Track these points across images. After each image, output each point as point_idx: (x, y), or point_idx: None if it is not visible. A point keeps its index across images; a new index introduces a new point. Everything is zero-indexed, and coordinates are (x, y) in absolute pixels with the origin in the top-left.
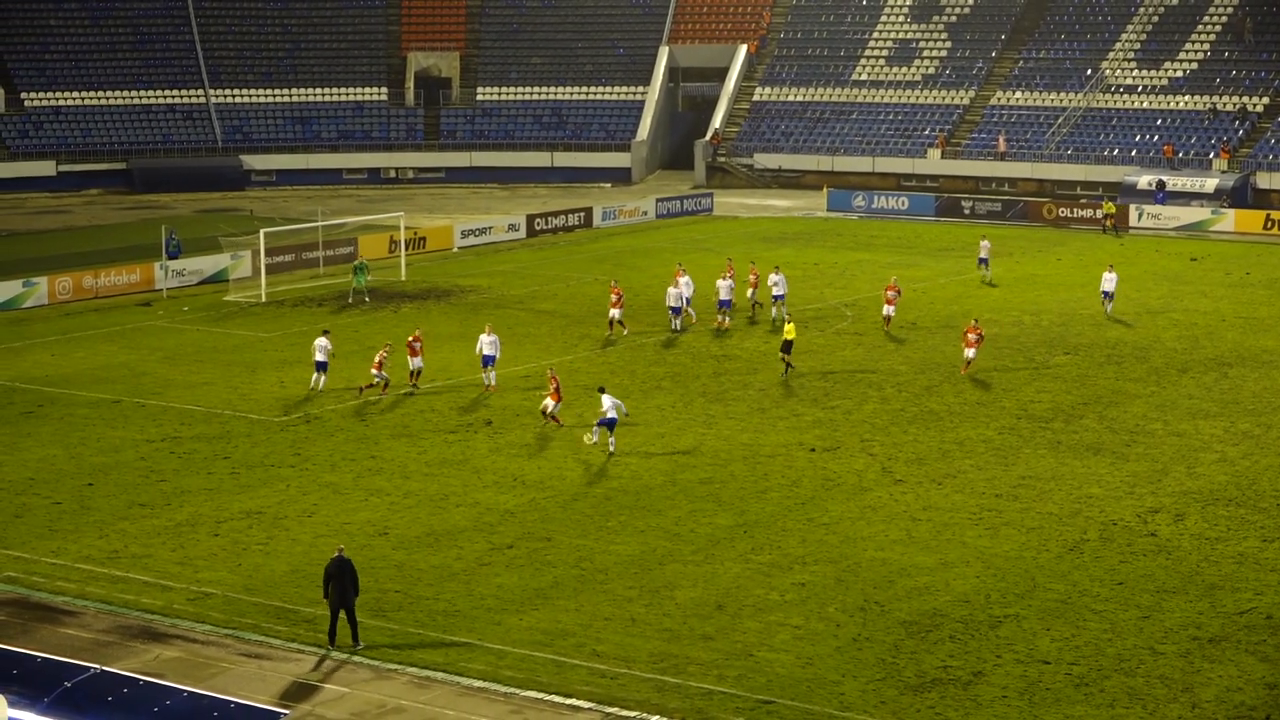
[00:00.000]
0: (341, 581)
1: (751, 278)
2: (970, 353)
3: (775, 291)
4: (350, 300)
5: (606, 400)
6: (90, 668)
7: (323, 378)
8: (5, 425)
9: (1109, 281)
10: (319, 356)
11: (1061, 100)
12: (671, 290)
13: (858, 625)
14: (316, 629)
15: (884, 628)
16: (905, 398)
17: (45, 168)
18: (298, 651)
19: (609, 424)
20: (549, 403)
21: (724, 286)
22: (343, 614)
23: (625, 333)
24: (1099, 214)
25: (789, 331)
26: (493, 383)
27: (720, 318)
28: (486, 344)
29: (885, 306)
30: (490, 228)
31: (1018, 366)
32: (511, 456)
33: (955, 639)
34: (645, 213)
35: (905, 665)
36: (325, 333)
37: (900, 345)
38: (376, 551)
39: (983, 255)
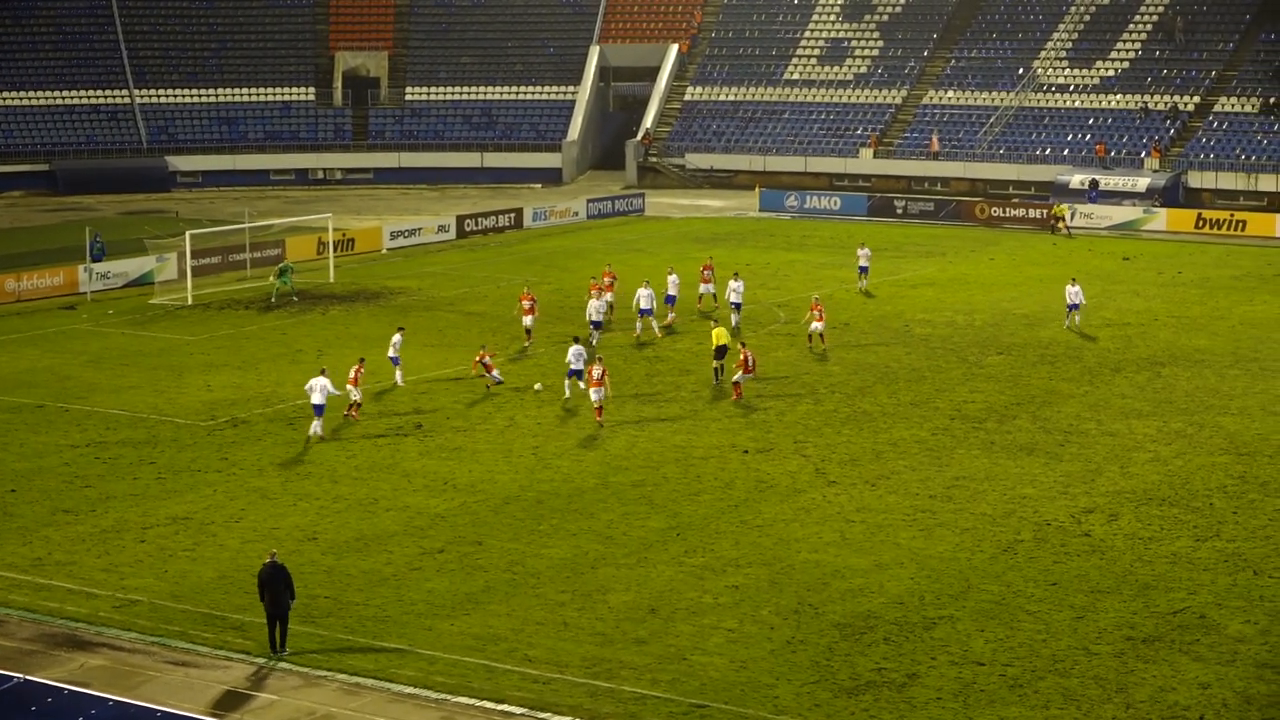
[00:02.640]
0: (275, 588)
1: (606, 280)
2: (816, 325)
3: (733, 298)
4: (274, 301)
5: (572, 351)
6: (14, 677)
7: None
8: None
9: (1074, 295)
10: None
11: (994, 99)
12: (592, 303)
13: (791, 628)
14: (245, 635)
15: (818, 630)
16: (838, 399)
17: None
18: (225, 659)
19: (576, 374)
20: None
21: (734, 288)
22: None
23: (528, 344)
24: (1047, 215)
25: (721, 336)
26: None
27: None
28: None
29: (813, 324)
30: (420, 229)
31: (950, 367)
32: (442, 460)
33: (889, 641)
34: (576, 213)
35: (839, 668)
36: (400, 329)
37: (833, 347)
38: (305, 557)
39: (862, 264)
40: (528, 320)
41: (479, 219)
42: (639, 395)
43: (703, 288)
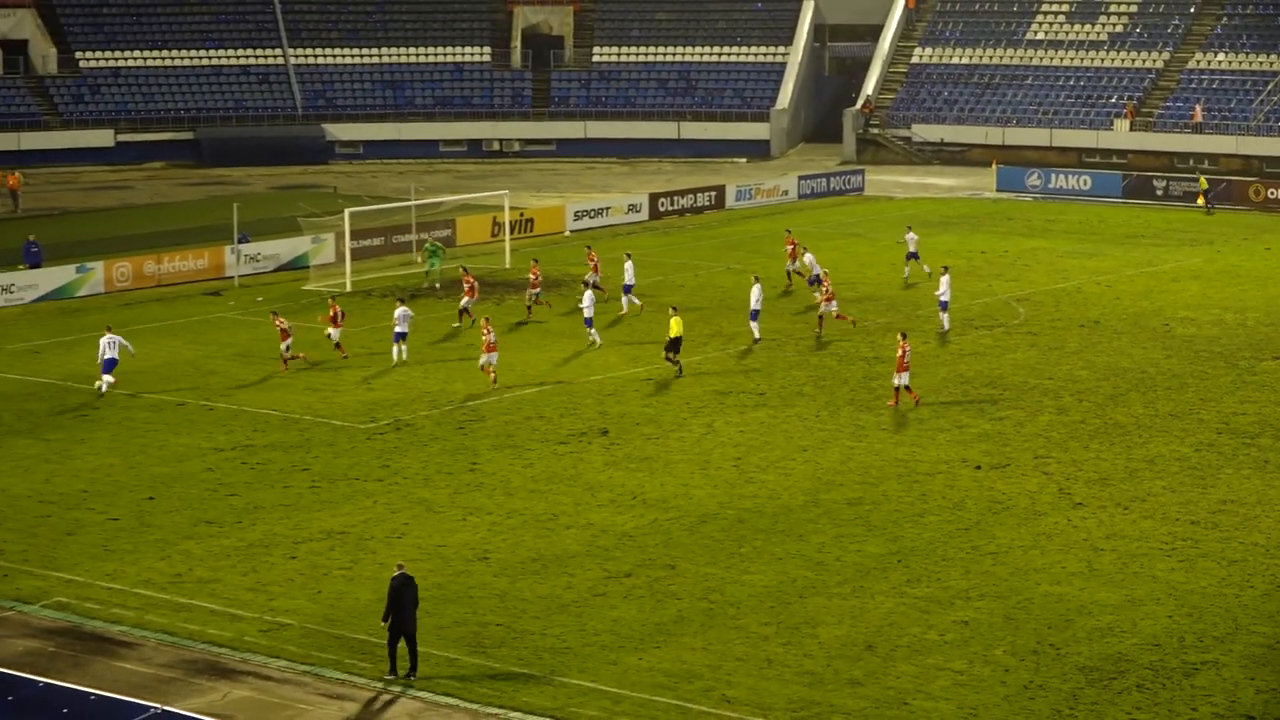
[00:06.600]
0: (404, 603)
1: (592, 262)
2: (899, 379)
3: (942, 297)
4: (426, 286)
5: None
6: (150, 707)
7: (404, 349)
8: (57, 430)
9: None
10: (400, 326)
11: (1273, 64)
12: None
13: (1030, 670)
14: (408, 666)
15: (1060, 674)
16: (1086, 408)
17: (103, 137)
18: (385, 692)
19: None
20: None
21: (944, 283)
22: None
23: (310, 357)
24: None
25: (677, 327)
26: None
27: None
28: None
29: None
30: (607, 208)
31: (1218, 373)
32: (630, 471)
33: (1143, 688)
34: (786, 192)
35: (1084, 717)
36: (402, 301)
37: (1081, 349)
38: (475, 579)
39: (911, 250)
40: (332, 333)
41: (675, 197)
42: (855, 402)
43: (790, 264)
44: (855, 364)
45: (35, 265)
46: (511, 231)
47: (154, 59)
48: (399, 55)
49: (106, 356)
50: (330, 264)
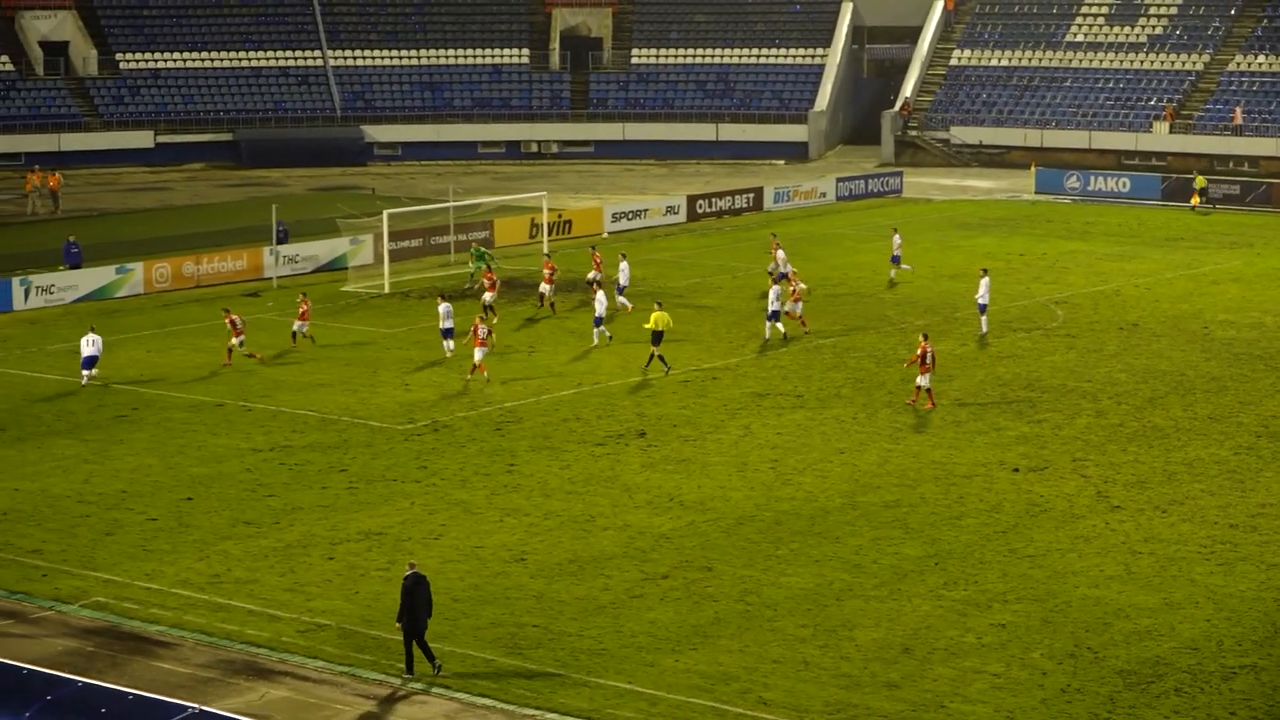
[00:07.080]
0: (415, 603)
1: (546, 271)
2: (922, 380)
3: (981, 300)
4: (467, 287)
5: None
6: (188, 707)
7: (452, 343)
8: (95, 430)
9: None
10: (446, 323)
11: None
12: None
13: (1067, 674)
14: (447, 666)
15: (1098, 677)
16: (1125, 411)
17: (142, 138)
18: (423, 693)
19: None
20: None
21: (984, 285)
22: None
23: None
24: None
25: (661, 321)
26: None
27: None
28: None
29: (788, 305)
30: (645, 210)
31: (1257, 375)
32: (667, 473)
33: (1181, 692)
34: (824, 194)
35: None
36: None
37: (1120, 351)
38: (513, 580)
39: (895, 252)
40: (235, 341)
41: (713, 199)
42: (893, 404)
43: (771, 266)
44: (893, 366)
45: (75, 266)
46: (549, 233)
47: (194, 60)
48: (437, 57)
49: (86, 354)
50: (368, 265)
